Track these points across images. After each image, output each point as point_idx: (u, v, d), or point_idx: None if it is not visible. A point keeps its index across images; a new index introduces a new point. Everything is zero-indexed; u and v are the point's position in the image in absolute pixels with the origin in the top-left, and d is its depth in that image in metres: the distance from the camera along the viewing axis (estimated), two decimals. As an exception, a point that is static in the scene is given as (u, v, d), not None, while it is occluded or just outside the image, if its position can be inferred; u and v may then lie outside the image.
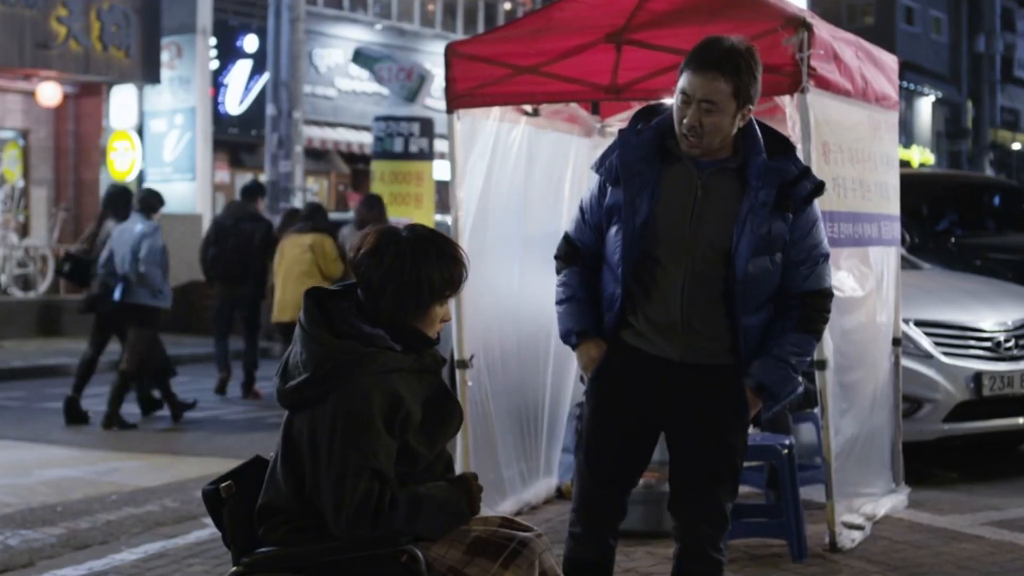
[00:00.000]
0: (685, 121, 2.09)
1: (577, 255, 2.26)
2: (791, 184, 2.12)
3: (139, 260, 5.49)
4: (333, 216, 8.06)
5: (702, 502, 2.18)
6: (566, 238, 2.30)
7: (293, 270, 6.08)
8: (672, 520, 2.23)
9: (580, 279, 2.24)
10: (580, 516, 2.25)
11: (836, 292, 3.27)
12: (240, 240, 6.44)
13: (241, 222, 6.51)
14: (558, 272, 2.30)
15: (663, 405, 2.18)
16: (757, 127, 2.16)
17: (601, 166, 2.22)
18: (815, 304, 2.16)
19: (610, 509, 2.24)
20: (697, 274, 2.12)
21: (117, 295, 5.56)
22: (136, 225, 5.61)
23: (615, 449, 2.22)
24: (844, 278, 3.36)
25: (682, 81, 2.11)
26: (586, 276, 2.24)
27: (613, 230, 2.18)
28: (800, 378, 2.19)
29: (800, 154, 3.15)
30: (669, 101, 2.22)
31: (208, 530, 3.39)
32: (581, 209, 2.28)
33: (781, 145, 2.18)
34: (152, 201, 5.75)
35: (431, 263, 1.82)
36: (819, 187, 2.16)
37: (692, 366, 2.14)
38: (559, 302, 2.27)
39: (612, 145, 2.23)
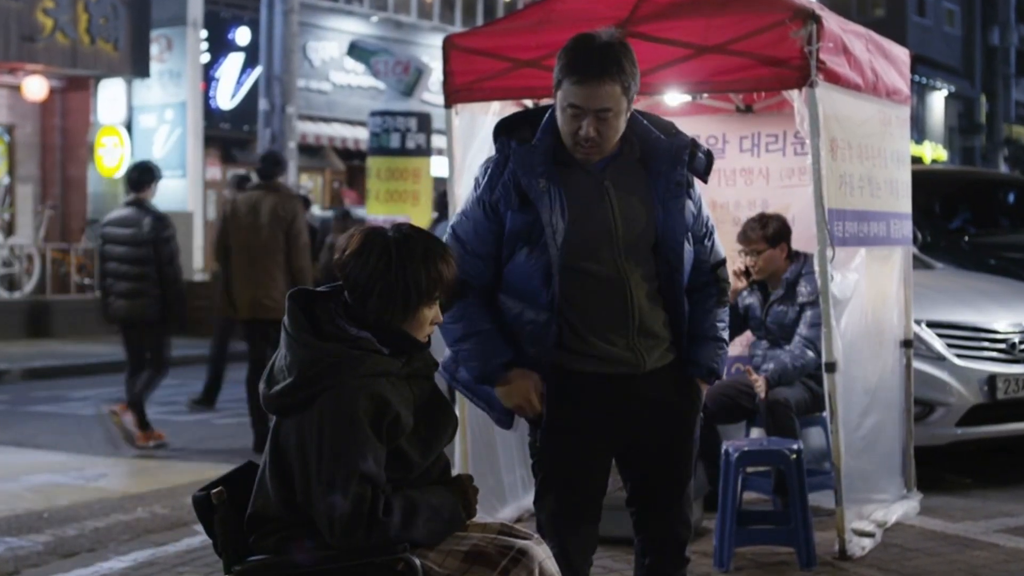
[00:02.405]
0: (581, 133, 2.00)
1: (464, 287, 2.04)
2: (691, 160, 2.09)
3: None
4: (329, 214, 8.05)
5: (676, 507, 2.14)
6: None
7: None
8: (641, 532, 2.15)
9: (478, 310, 2.05)
10: (564, 561, 2.08)
11: (844, 293, 3.27)
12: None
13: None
14: (442, 310, 2.07)
15: (625, 422, 2.09)
16: (638, 114, 2.11)
17: (492, 191, 2.05)
18: (721, 275, 2.17)
19: (591, 544, 2.16)
20: (635, 276, 2.05)
21: None
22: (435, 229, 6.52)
23: (590, 485, 2.12)
24: (851, 278, 3.30)
25: (567, 93, 2.00)
26: (484, 307, 2.06)
27: (522, 255, 2.03)
28: (727, 347, 2.16)
29: (808, 150, 3.10)
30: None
31: (199, 537, 3.34)
32: (458, 240, 2.08)
33: (665, 126, 2.13)
34: (443, 200, 6.54)
35: (417, 263, 1.78)
36: (710, 156, 2.12)
37: (647, 375, 2.07)
38: (458, 340, 2.06)
39: (497, 167, 2.07)
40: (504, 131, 2.11)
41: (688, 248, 2.08)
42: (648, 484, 2.14)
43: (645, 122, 2.09)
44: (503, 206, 2.05)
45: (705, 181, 2.11)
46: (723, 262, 2.17)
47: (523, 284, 2.05)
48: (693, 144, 2.09)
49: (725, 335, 2.14)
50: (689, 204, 2.08)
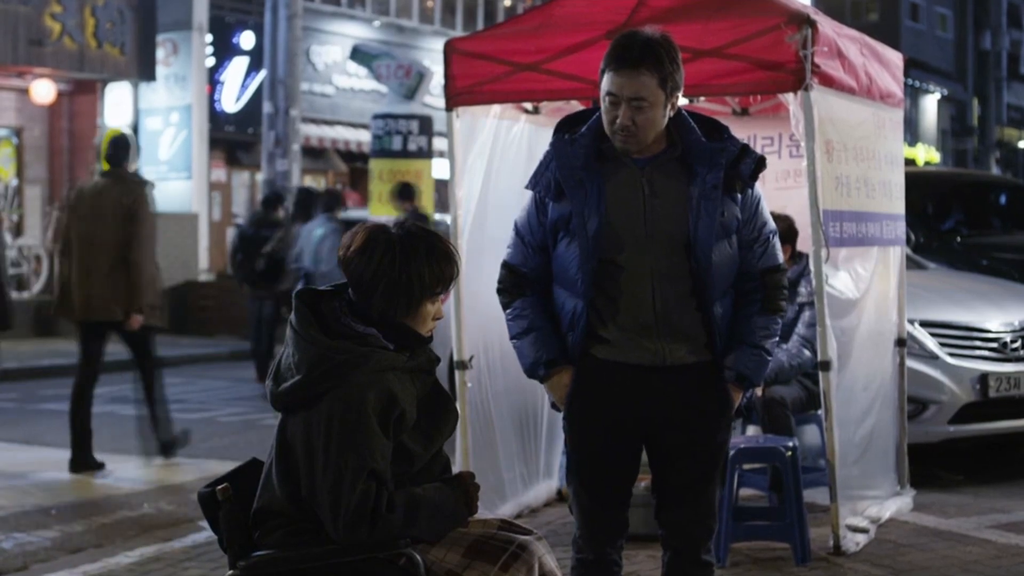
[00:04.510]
0: (617, 122, 2.06)
1: (524, 283, 2.17)
2: (735, 163, 2.10)
3: (321, 260, 6.20)
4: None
5: (695, 505, 2.15)
6: (507, 267, 2.20)
7: None
8: (661, 527, 2.19)
9: (534, 308, 2.16)
10: (588, 542, 2.20)
11: (840, 292, 3.33)
12: (261, 246, 7.05)
13: (262, 229, 7.13)
14: (505, 306, 2.20)
15: (646, 414, 2.14)
16: (687, 115, 2.14)
17: (537, 183, 2.16)
18: (773, 282, 2.15)
19: (615, 528, 2.21)
20: (663, 272, 2.09)
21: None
22: (318, 228, 6.39)
23: (610, 470, 2.18)
24: (847, 278, 3.35)
25: (605, 82, 2.07)
26: (540, 304, 2.16)
27: (563, 245, 2.12)
28: (771, 357, 2.17)
29: (803, 152, 3.15)
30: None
31: (204, 533, 3.37)
32: (518, 233, 2.19)
33: (715, 128, 2.15)
34: (331, 202, 6.58)
35: (421, 259, 1.81)
36: (761, 162, 2.14)
37: (672, 368, 2.11)
38: (516, 336, 2.18)
39: (545, 160, 2.17)
40: (562, 127, 2.18)
41: (727, 251, 2.08)
42: (665, 478, 2.17)
43: (691, 123, 2.12)
44: (547, 197, 2.13)
45: (750, 187, 2.11)
46: (776, 268, 2.14)
47: (564, 273, 2.12)
48: (742, 149, 2.11)
49: (767, 343, 2.12)
50: (732, 207, 2.08)
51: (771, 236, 2.16)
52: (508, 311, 2.19)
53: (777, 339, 2.18)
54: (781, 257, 2.18)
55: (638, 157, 2.09)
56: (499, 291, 2.21)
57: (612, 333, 2.11)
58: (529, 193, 2.18)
